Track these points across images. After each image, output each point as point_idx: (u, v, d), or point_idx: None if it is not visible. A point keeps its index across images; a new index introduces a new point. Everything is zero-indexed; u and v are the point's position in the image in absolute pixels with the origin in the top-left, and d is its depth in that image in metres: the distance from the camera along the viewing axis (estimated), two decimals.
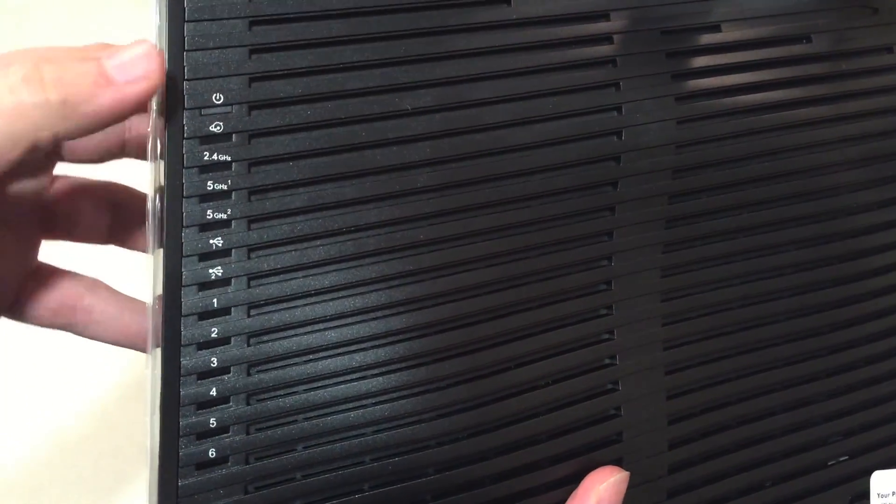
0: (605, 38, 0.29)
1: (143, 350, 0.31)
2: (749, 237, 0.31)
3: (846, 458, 0.33)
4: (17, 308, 0.29)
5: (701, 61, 0.31)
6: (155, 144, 0.26)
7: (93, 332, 0.31)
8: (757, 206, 0.31)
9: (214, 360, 0.25)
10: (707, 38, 0.31)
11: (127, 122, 0.30)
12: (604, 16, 0.29)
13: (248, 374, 0.25)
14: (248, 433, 0.25)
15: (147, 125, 0.26)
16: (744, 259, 0.31)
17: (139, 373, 0.49)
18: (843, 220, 0.33)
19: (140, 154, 0.30)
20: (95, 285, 0.31)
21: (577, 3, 0.29)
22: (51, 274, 0.30)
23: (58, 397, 0.49)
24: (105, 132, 0.29)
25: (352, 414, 0.26)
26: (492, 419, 0.28)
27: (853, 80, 0.33)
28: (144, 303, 0.31)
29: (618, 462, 0.29)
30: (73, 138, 0.24)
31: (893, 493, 0.34)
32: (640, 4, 0.30)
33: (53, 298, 0.30)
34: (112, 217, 0.31)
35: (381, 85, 0.27)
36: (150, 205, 0.26)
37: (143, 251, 0.32)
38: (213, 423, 0.25)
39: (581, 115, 0.29)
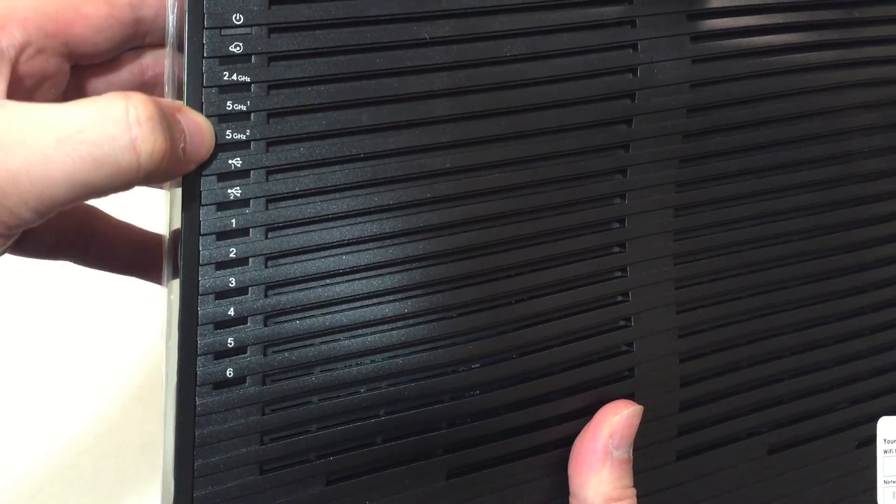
0: None
1: (140, 277, 0.31)
2: (761, 179, 0.31)
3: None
4: (20, 245, 0.29)
5: (716, 2, 0.31)
6: (171, 70, 0.26)
7: (89, 262, 0.31)
8: (769, 147, 0.31)
9: (232, 280, 0.25)
10: None
11: (145, 62, 0.29)
12: None
13: (266, 296, 0.25)
14: (265, 354, 0.25)
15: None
16: (755, 201, 0.32)
17: (140, 373, 0.49)
18: (854, 165, 0.33)
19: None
20: (94, 215, 0.31)
21: None
22: None
23: (58, 398, 0.49)
24: (122, 76, 0.29)
25: (368, 338, 0.26)
26: (506, 348, 0.28)
27: (866, 28, 0.33)
28: (139, 228, 0.31)
29: (630, 397, 0.30)
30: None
31: None
32: None
33: (53, 232, 0.29)
34: None
35: (400, 13, 0.27)
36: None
37: None
38: (230, 343, 0.25)
39: (597, 51, 0.29)
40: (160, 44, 0.27)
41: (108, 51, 0.26)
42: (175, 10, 0.25)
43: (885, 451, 0.34)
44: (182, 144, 0.23)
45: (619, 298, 0.30)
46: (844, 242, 0.33)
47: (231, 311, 0.25)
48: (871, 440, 0.34)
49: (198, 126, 0.24)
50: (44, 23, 0.24)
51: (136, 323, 0.49)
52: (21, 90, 0.24)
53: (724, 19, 0.31)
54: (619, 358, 0.30)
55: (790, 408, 0.33)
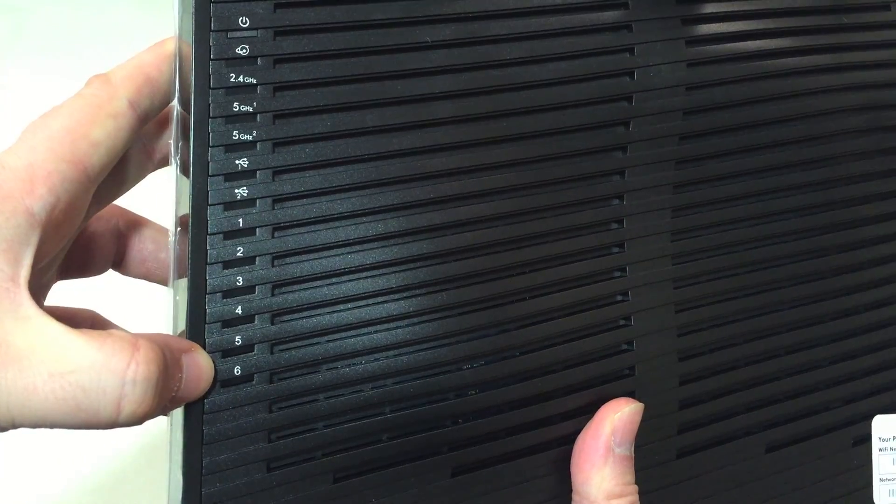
0: None
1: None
2: (755, 180, 0.32)
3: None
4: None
5: (710, 7, 0.31)
6: (180, 70, 0.26)
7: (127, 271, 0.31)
8: (763, 149, 0.32)
9: (240, 279, 0.25)
10: None
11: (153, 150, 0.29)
12: None
13: (273, 294, 0.26)
14: (272, 352, 0.26)
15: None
16: (751, 202, 0.32)
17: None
18: (845, 166, 0.33)
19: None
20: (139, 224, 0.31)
21: None
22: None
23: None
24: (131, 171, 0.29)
25: (373, 336, 0.27)
26: (509, 346, 0.28)
27: (853, 34, 0.34)
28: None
29: (630, 395, 0.30)
30: None
31: (894, 437, 0.35)
32: None
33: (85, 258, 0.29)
34: None
35: (402, 17, 0.27)
36: (173, 131, 0.27)
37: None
38: (238, 341, 0.25)
39: (595, 54, 0.30)
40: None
41: (117, 157, 0.26)
42: (178, 80, 0.26)
43: (881, 449, 0.35)
44: (173, 393, 0.24)
45: (619, 298, 0.30)
46: (838, 243, 0.34)
47: (238, 310, 0.25)
48: (867, 438, 0.35)
49: (198, 371, 0.24)
50: (65, 169, 0.23)
51: (139, 325, 0.50)
52: (52, 239, 0.24)
53: (718, 24, 0.31)
54: (619, 356, 0.30)
55: (787, 406, 0.33)
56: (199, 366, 0.25)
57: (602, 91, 0.30)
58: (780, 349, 0.33)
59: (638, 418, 0.29)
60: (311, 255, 0.26)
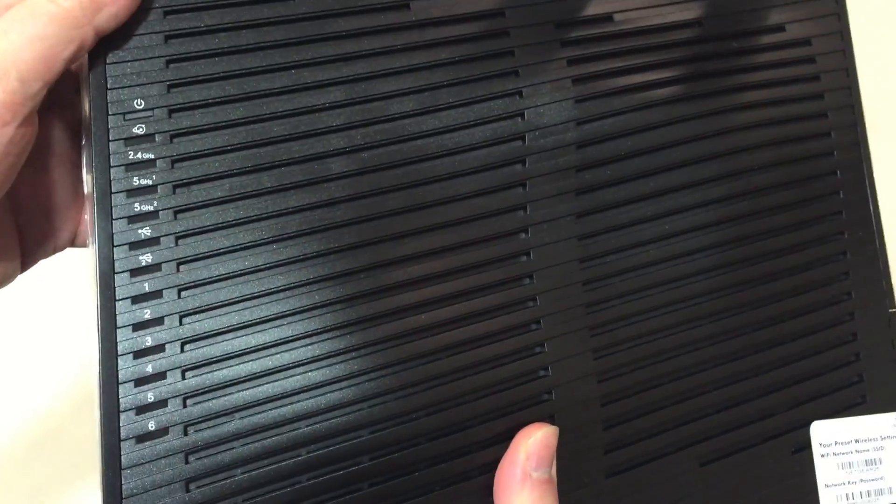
0: (503, 33, 0.32)
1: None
2: (658, 202, 0.33)
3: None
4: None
5: (594, 48, 0.33)
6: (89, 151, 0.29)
7: None
8: (662, 171, 0.33)
9: (149, 339, 0.27)
10: (598, 28, 0.33)
11: None
12: (500, 13, 0.32)
13: (182, 351, 0.27)
14: (185, 406, 0.27)
15: None
16: (657, 223, 0.33)
17: (79, 375, 0.52)
18: (748, 179, 0.35)
19: None
20: None
21: (475, 3, 0.32)
22: None
23: (27, 391, 0.51)
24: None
25: (285, 382, 0.28)
26: (422, 379, 0.30)
27: (746, 57, 0.35)
28: None
29: (550, 419, 0.31)
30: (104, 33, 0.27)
31: (835, 442, 0.35)
32: (533, 2, 0.33)
33: None
34: None
35: (291, 85, 0.29)
36: (87, 205, 0.29)
37: None
38: (151, 398, 0.27)
39: (484, 100, 0.31)
40: None
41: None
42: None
43: (822, 455, 0.35)
44: None
45: (534, 327, 0.32)
46: (752, 254, 0.34)
47: (149, 368, 0.27)
48: (806, 446, 0.35)
49: None
50: None
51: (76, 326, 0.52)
52: None
53: (603, 62, 0.33)
54: (536, 382, 0.31)
55: (718, 418, 0.34)
56: None
57: (495, 133, 0.31)
58: (704, 363, 0.34)
59: (552, 441, 0.30)
60: (217, 311, 0.28)
